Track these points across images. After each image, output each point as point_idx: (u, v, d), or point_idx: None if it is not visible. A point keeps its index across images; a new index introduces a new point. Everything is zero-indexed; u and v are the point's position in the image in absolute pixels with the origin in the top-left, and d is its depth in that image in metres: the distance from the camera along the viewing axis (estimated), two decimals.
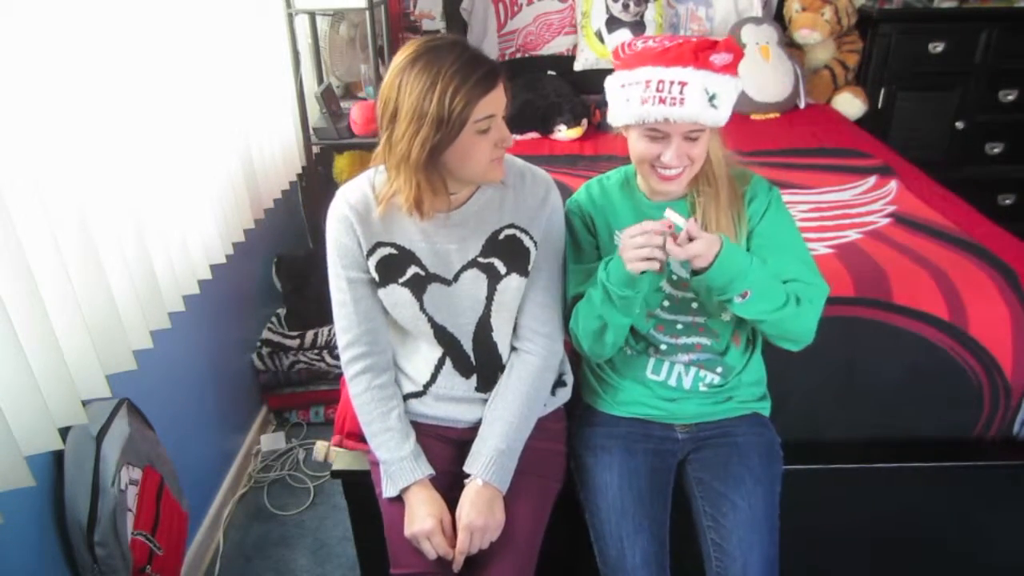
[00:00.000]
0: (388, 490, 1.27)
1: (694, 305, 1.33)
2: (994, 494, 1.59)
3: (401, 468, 1.26)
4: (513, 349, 1.35)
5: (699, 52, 1.19)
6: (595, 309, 1.26)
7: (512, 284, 1.29)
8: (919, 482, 1.58)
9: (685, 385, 1.37)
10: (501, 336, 1.34)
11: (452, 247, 1.28)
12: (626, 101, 1.23)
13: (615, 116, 1.28)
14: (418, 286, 1.28)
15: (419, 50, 1.13)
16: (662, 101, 1.19)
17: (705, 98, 1.19)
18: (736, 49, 1.22)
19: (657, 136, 1.23)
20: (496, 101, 1.15)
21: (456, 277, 1.29)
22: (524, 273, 1.30)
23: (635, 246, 1.15)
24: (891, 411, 1.59)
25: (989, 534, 1.62)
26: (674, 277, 1.33)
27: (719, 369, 1.36)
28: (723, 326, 1.34)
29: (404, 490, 1.25)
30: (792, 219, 1.35)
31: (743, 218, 1.31)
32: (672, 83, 1.19)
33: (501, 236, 1.29)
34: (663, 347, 1.35)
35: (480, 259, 1.28)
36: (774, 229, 1.31)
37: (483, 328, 1.31)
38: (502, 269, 1.29)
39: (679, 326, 1.34)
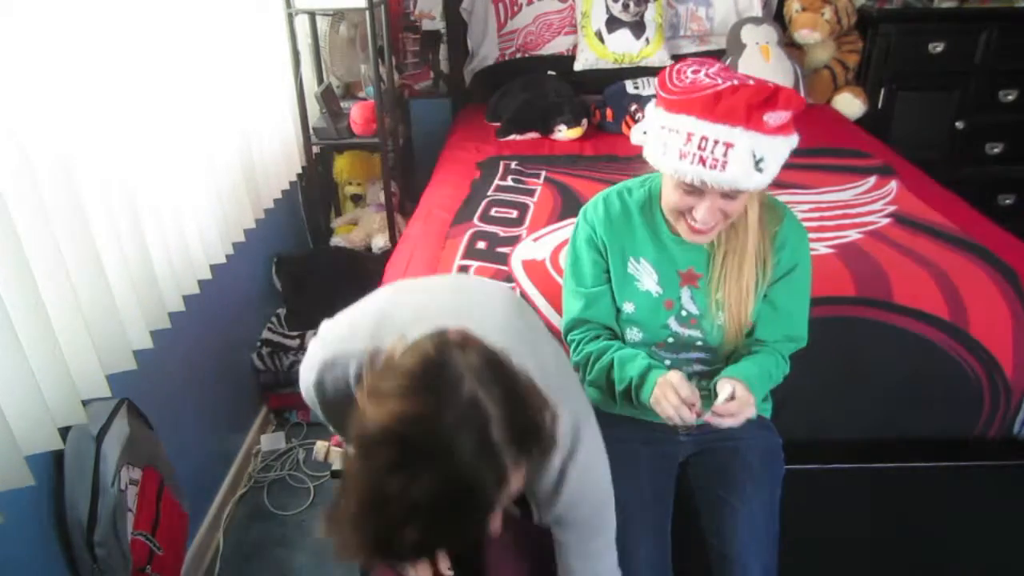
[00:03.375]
0: None
1: (699, 343, 1.31)
2: (994, 494, 1.59)
3: None
4: None
5: (753, 110, 1.05)
6: (612, 387, 1.26)
7: None
8: (919, 482, 1.58)
9: None
10: None
11: None
12: (663, 147, 1.12)
13: (650, 155, 1.17)
14: None
15: (394, 432, 0.77)
16: (702, 161, 1.08)
17: (751, 162, 1.06)
18: (796, 103, 1.07)
19: (692, 191, 1.14)
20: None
21: None
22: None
23: (672, 407, 1.15)
24: (891, 411, 1.59)
25: (989, 534, 1.62)
26: (683, 313, 1.29)
27: None
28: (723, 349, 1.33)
29: None
30: (810, 271, 1.30)
31: (768, 268, 1.24)
32: (716, 143, 1.06)
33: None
34: (667, 363, 1.33)
35: None
36: (794, 293, 1.28)
37: None
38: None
39: (672, 343, 1.33)
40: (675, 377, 1.17)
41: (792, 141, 1.11)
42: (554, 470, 0.99)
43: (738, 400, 1.17)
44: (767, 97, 1.05)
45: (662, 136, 1.12)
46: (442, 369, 0.79)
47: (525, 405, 0.82)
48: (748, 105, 1.04)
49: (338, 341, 1.08)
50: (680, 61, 1.16)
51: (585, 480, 1.03)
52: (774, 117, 1.05)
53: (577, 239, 1.32)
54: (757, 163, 1.07)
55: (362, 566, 0.87)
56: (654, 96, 1.18)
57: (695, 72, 1.11)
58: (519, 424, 0.79)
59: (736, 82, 1.07)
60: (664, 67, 1.16)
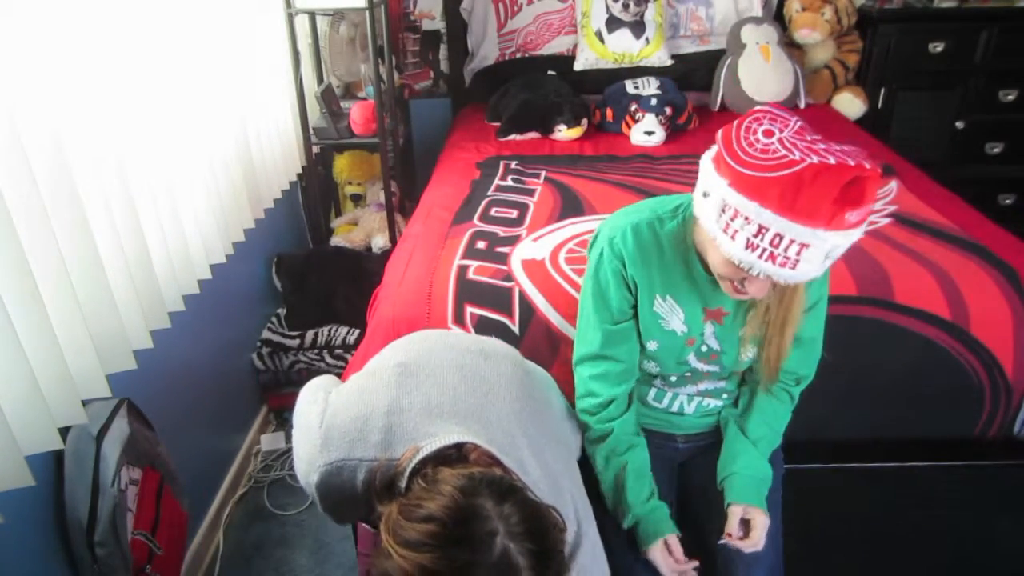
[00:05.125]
0: None
1: (716, 377, 1.30)
2: (994, 494, 1.59)
3: None
4: None
5: (836, 206, 0.93)
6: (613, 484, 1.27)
7: None
8: (919, 482, 1.58)
9: (687, 411, 1.36)
10: None
11: None
12: (728, 228, 1.01)
13: (710, 224, 1.05)
14: None
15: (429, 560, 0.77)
16: (771, 258, 0.98)
17: (823, 259, 0.97)
18: (876, 190, 0.95)
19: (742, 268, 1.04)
20: None
21: None
22: None
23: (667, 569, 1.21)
24: (891, 411, 1.59)
25: (989, 534, 1.62)
26: (703, 349, 1.26)
27: (724, 396, 1.36)
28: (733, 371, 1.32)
29: None
30: (826, 301, 1.28)
31: (803, 307, 1.18)
32: (792, 242, 0.96)
33: None
34: (672, 378, 1.33)
35: None
36: (817, 323, 1.27)
37: None
38: None
39: (687, 387, 1.33)
40: (672, 542, 1.24)
41: (862, 229, 0.99)
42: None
43: (757, 530, 1.23)
44: (849, 184, 0.92)
45: (727, 216, 1.01)
46: (471, 521, 0.79)
47: (552, 550, 0.82)
48: (832, 201, 0.93)
49: (346, 446, 1.04)
50: (752, 115, 1.01)
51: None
52: (856, 215, 0.94)
53: (603, 269, 1.22)
54: (826, 257, 0.98)
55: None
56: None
57: (767, 134, 0.97)
58: (546, 569, 0.81)
59: (816, 160, 0.93)
60: (733, 123, 1.01)
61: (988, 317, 1.54)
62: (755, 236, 0.98)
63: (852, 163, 0.93)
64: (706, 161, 1.06)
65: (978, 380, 1.54)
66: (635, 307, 1.24)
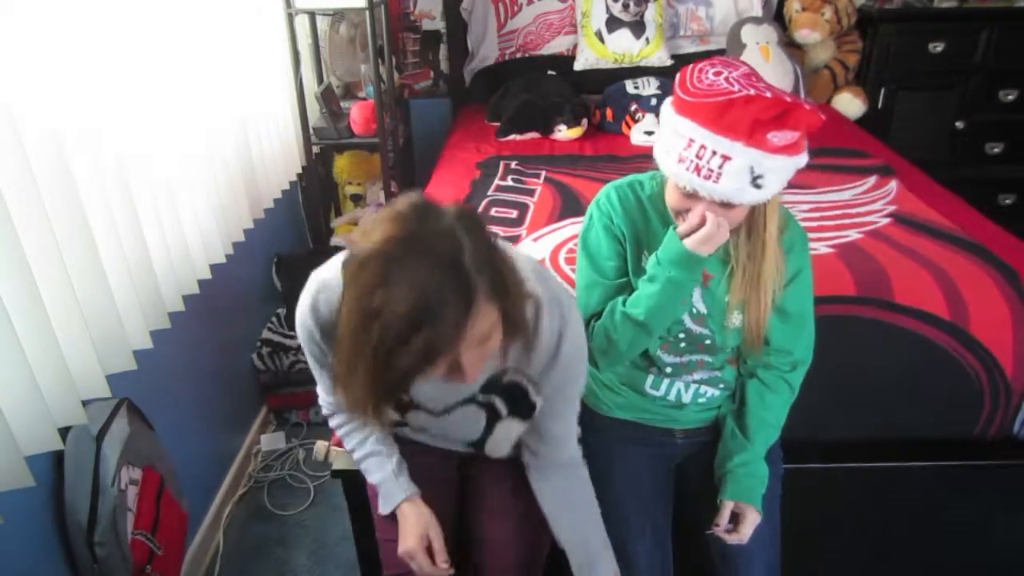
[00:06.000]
0: (383, 507, 1.24)
1: (707, 342, 1.30)
2: (994, 494, 1.59)
3: (388, 488, 1.24)
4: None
5: (758, 126, 1.01)
6: (640, 305, 1.20)
7: (513, 427, 1.19)
8: (919, 482, 1.58)
9: (684, 400, 1.36)
10: (496, 451, 1.25)
11: (447, 385, 1.02)
12: (667, 148, 1.11)
13: (656, 152, 1.16)
14: (401, 407, 1.19)
15: (375, 252, 0.84)
16: (697, 170, 1.06)
17: (747, 178, 1.04)
18: (809, 123, 1.03)
19: (690, 195, 1.12)
20: (457, 349, 0.88)
21: (448, 411, 1.18)
22: (527, 418, 1.18)
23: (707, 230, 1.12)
24: (891, 411, 1.59)
25: (989, 534, 1.62)
26: (694, 311, 1.28)
27: (721, 385, 1.36)
28: (724, 352, 1.32)
29: (396, 508, 1.23)
30: (812, 277, 1.30)
31: (782, 275, 1.22)
32: (714, 154, 1.04)
33: (504, 380, 1.14)
34: (668, 369, 1.33)
35: (480, 396, 1.16)
36: (801, 296, 1.28)
37: (475, 446, 1.24)
38: (503, 410, 1.17)
39: (682, 345, 1.31)
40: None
41: (799, 160, 1.07)
42: (550, 344, 1.08)
43: (746, 525, 1.25)
44: (778, 114, 1.01)
45: (667, 136, 1.11)
46: (427, 207, 0.88)
47: (499, 258, 0.90)
48: (755, 120, 1.01)
49: (332, 265, 1.07)
50: (708, 60, 1.10)
51: (573, 356, 1.12)
52: (780, 136, 1.02)
53: (593, 229, 1.28)
54: (755, 179, 1.04)
55: (371, 410, 0.94)
56: (658, 95, 1.17)
57: (716, 74, 1.07)
58: (492, 265, 0.87)
59: (753, 92, 1.03)
60: (690, 64, 1.11)
61: (988, 317, 1.54)
62: (685, 150, 1.07)
63: (788, 99, 1.02)
64: (664, 104, 1.15)
65: (978, 380, 1.54)
66: (627, 266, 1.27)
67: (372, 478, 1.26)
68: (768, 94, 1.02)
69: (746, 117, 1.01)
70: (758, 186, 1.05)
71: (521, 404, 1.16)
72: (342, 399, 0.96)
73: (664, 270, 1.17)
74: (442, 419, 1.19)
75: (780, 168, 1.06)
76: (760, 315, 1.23)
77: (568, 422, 1.22)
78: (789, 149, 1.04)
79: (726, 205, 1.11)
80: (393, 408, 1.17)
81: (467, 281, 0.84)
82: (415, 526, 1.21)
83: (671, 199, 1.18)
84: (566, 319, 1.08)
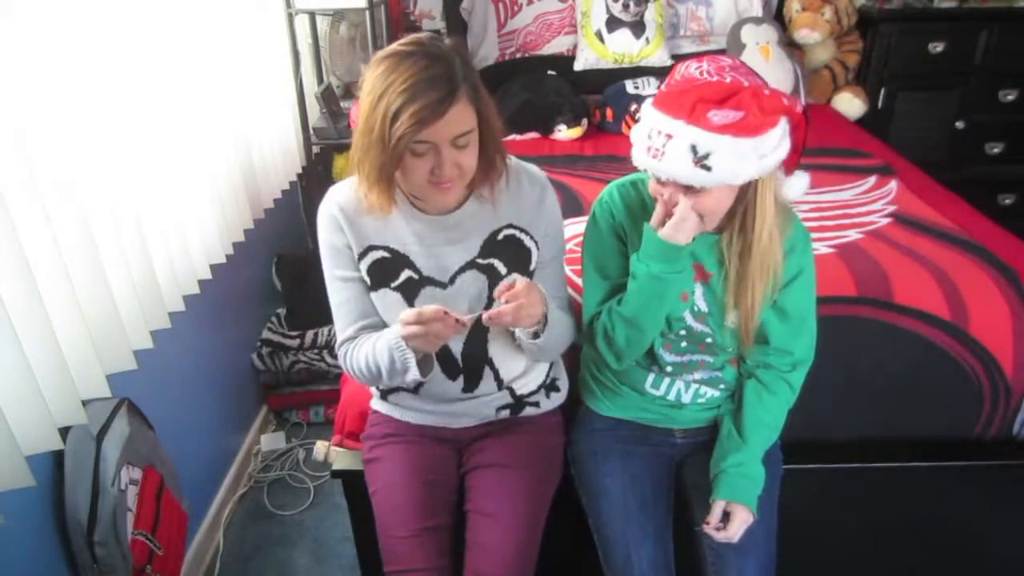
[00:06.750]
0: (411, 375, 1.18)
1: (708, 340, 1.30)
2: (994, 494, 1.59)
3: (404, 351, 1.16)
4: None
5: (700, 103, 1.05)
6: (631, 302, 1.21)
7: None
8: (919, 482, 1.58)
9: (684, 400, 1.36)
10: (496, 335, 1.30)
11: (448, 249, 1.24)
12: (637, 138, 1.15)
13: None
14: (411, 290, 1.25)
15: (388, 53, 1.09)
16: (648, 150, 1.11)
17: (690, 156, 1.06)
18: (755, 106, 1.04)
19: (662, 182, 1.14)
20: (440, 131, 1.07)
21: (452, 279, 1.26)
22: (526, 273, 1.27)
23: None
24: (891, 411, 1.59)
25: (989, 534, 1.62)
26: (695, 309, 1.28)
27: (721, 386, 1.36)
28: (726, 352, 1.32)
29: (416, 360, 1.17)
30: (815, 278, 1.30)
31: (778, 278, 1.22)
32: (659, 133, 1.08)
33: (500, 236, 1.26)
34: (669, 368, 1.33)
35: (479, 260, 1.26)
36: (802, 297, 1.28)
37: (479, 330, 1.27)
38: (502, 269, 1.26)
39: (684, 344, 1.31)
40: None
41: (757, 143, 1.05)
42: (533, 197, 1.27)
43: (735, 524, 1.24)
44: (724, 96, 1.04)
45: (640, 127, 1.16)
46: (434, 37, 1.13)
47: (482, 87, 1.12)
48: (698, 99, 1.05)
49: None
50: (699, 58, 1.12)
51: (554, 211, 1.30)
52: (720, 115, 1.03)
53: (597, 228, 1.30)
54: (701, 159, 1.05)
55: (382, 171, 1.13)
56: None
57: (697, 68, 1.09)
58: (475, 80, 1.11)
59: (715, 79, 1.06)
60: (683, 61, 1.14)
61: (987, 318, 1.54)
62: (646, 135, 1.11)
63: (746, 84, 1.06)
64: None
65: (977, 380, 1.54)
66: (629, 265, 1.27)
67: (383, 358, 1.19)
68: (728, 79, 1.06)
69: (690, 96, 1.05)
70: (707, 167, 1.05)
71: (519, 257, 1.27)
72: (362, 183, 1.17)
73: (644, 265, 1.19)
74: (449, 290, 1.26)
75: (728, 149, 1.04)
76: (748, 314, 1.24)
77: (557, 294, 1.33)
78: (734, 129, 1.03)
79: (691, 190, 1.11)
80: (403, 298, 1.26)
81: (453, 78, 1.07)
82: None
83: (650, 188, 1.20)
84: (544, 187, 1.29)
